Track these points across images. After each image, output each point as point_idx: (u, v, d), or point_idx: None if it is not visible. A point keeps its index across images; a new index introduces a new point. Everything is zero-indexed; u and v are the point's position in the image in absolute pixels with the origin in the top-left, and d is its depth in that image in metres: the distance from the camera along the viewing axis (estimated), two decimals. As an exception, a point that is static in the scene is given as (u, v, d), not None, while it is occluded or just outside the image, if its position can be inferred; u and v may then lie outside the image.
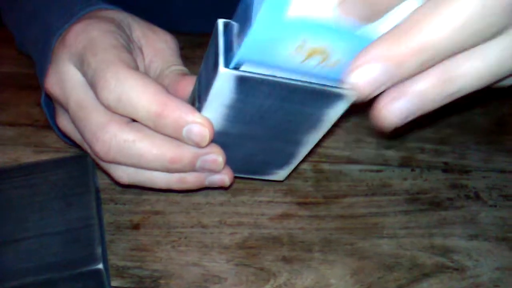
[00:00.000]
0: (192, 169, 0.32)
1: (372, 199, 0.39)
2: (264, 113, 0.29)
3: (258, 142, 0.32)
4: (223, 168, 0.32)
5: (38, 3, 0.41)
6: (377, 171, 0.41)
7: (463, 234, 0.37)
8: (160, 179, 0.33)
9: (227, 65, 0.26)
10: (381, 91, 0.23)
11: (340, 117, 0.30)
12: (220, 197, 0.38)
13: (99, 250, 0.30)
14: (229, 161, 0.32)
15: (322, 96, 0.28)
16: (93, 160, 0.35)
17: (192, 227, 0.36)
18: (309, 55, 0.24)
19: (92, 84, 0.31)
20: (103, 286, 0.31)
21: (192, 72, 0.35)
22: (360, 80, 0.22)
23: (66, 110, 0.33)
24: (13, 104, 0.45)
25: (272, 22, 0.22)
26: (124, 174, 0.33)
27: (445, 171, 0.41)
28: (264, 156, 0.34)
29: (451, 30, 0.20)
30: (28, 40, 0.42)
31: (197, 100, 0.30)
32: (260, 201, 0.38)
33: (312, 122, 0.30)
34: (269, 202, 0.38)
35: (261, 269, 0.34)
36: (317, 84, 0.27)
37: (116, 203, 0.37)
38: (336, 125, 0.31)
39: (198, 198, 0.38)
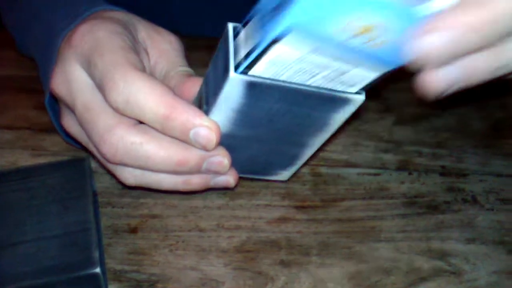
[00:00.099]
0: (198, 171, 0.32)
1: (369, 203, 0.39)
2: (272, 116, 0.29)
3: (264, 144, 0.32)
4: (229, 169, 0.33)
5: (40, 3, 0.40)
6: (375, 174, 0.41)
7: (461, 238, 0.37)
8: (166, 180, 0.33)
9: (237, 70, 0.26)
10: (443, 60, 0.23)
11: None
12: (218, 200, 0.38)
13: (96, 254, 0.30)
14: (234, 162, 0.33)
15: (330, 101, 0.28)
16: (99, 161, 0.35)
17: (189, 230, 0.36)
18: (359, 33, 0.23)
19: (100, 86, 0.31)
20: (101, 290, 0.31)
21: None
22: (427, 45, 0.22)
23: (72, 111, 0.33)
24: (11, 107, 0.44)
25: None
26: (130, 176, 0.33)
27: (442, 174, 0.41)
28: (269, 157, 0.34)
29: None
30: (29, 41, 0.42)
31: (204, 102, 0.30)
32: (258, 205, 0.38)
33: (319, 125, 0.31)
34: (267, 205, 0.38)
35: (259, 273, 0.34)
36: (325, 89, 0.27)
37: (113, 207, 0.37)
38: (339, 128, 0.31)
39: (195, 201, 0.38)
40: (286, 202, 0.38)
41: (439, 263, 0.35)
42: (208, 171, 0.32)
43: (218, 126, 0.30)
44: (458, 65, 0.23)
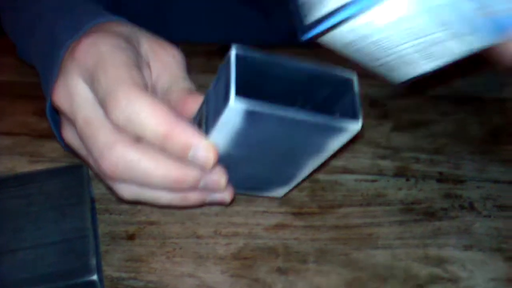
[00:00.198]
0: (195, 188, 0.33)
1: (367, 209, 0.39)
2: (270, 140, 0.30)
3: (261, 165, 0.33)
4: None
5: (42, 10, 0.40)
6: (372, 181, 0.41)
7: (458, 245, 0.37)
8: (164, 197, 0.33)
9: (237, 98, 0.26)
10: None
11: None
12: (215, 207, 0.38)
13: (93, 261, 0.30)
14: (231, 179, 0.33)
15: (326, 129, 0.29)
16: (95, 173, 0.35)
17: (187, 237, 0.36)
18: None
19: (102, 102, 0.31)
20: (98, 297, 0.31)
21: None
22: None
23: (73, 124, 0.33)
24: (9, 113, 0.45)
25: None
26: (128, 192, 0.33)
27: (439, 181, 0.41)
28: (265, 176, 0.35)
29: None
30: (30, 49, 0.42)
31: (204, 122, 0.30)
32: (255, 211, 0.38)
33: (315, 151, 0.31)
34: (264, 212, 0.38)
35: (256, 280, 0.34)
36: (323, 117, 0.28)
37: (111, 214, 0.37)
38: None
39: (193, 208, 0.38)
40: (283, 209, 0.39)
41: (436, 270, 0.35)
42: (205, 189, 0.33)
43: (216, 148, 0.30)
44: None
